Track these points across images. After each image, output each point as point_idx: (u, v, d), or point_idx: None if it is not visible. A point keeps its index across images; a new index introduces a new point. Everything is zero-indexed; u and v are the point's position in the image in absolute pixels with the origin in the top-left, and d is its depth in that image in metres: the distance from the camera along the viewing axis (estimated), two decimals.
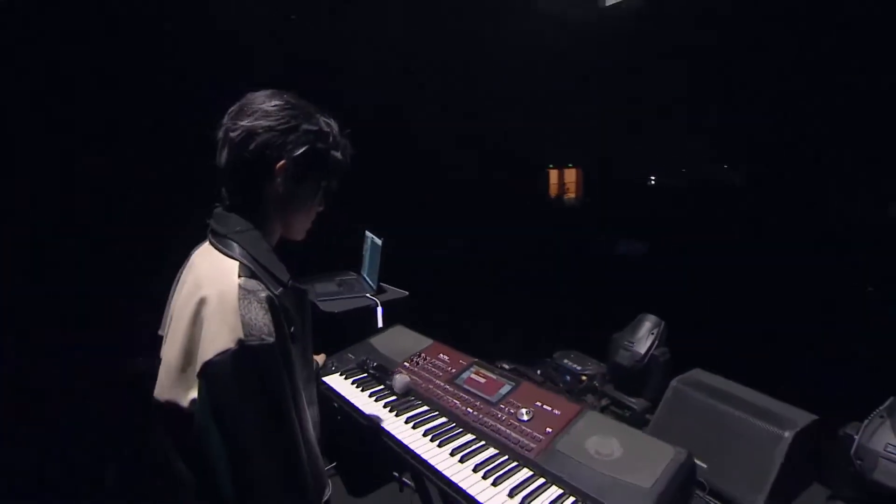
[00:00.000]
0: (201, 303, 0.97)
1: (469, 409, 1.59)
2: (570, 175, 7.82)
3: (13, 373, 2.21)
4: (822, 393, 1.74)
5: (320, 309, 2.38)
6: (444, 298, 3.61)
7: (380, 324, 2.42)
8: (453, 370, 1.78)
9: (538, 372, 2.29)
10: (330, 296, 2.51)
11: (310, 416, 1.14)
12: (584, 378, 2.14)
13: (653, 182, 6.98)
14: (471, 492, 1.29)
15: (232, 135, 1.06)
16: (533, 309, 4.21)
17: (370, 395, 1.73)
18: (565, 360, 2.22)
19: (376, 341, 2.05)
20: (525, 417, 1.50)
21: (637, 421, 1.88)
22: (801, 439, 1.41)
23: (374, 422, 1.59)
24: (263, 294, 0.98)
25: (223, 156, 1.08)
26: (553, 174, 7.79)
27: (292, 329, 1.04)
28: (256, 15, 2.87)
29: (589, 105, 5.24)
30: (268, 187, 1.09)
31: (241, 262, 1.02)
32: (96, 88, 2.53)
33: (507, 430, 1.48)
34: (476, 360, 1.81)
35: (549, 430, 1.45)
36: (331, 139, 1.14)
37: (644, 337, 1.97)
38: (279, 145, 1.07)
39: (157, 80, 2.69)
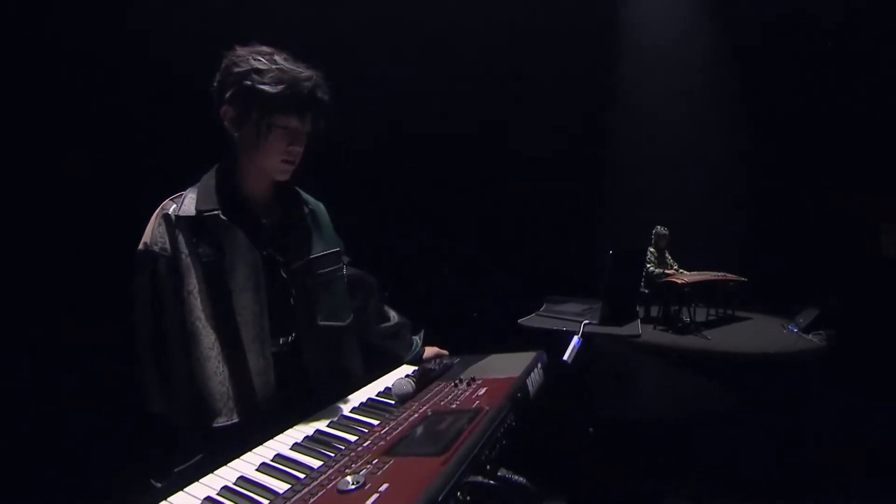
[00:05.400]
0: None
1: (369, 441, 0.91)
2: None
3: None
4: None
5: (518, 322, 1.86)
6: None
7: (565, 356, 1.60)
8: (454, 404, 1.05)
9: None
10: (554, 314, 1.90)
11: (250, 350, 1.14)
12: None
13: None
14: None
15: None
16: None
17: (378, 394, 1.32)
18: None
19: (493, 357, 1.47)
20: (351, 486, 0.71)
21: None
22: None
23: None
24: (164, 212, 1.14)
25: None
26: None
27: (200, 249, 1.11)
28: None
29: None
30: (227, 133, 1.19)
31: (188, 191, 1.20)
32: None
33: (311, 481, 0.77)
34: (486, 410, 0.98)
35: None
36: (264, 75, 1.10)
37: None
38: (219, 95, 1.17)
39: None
